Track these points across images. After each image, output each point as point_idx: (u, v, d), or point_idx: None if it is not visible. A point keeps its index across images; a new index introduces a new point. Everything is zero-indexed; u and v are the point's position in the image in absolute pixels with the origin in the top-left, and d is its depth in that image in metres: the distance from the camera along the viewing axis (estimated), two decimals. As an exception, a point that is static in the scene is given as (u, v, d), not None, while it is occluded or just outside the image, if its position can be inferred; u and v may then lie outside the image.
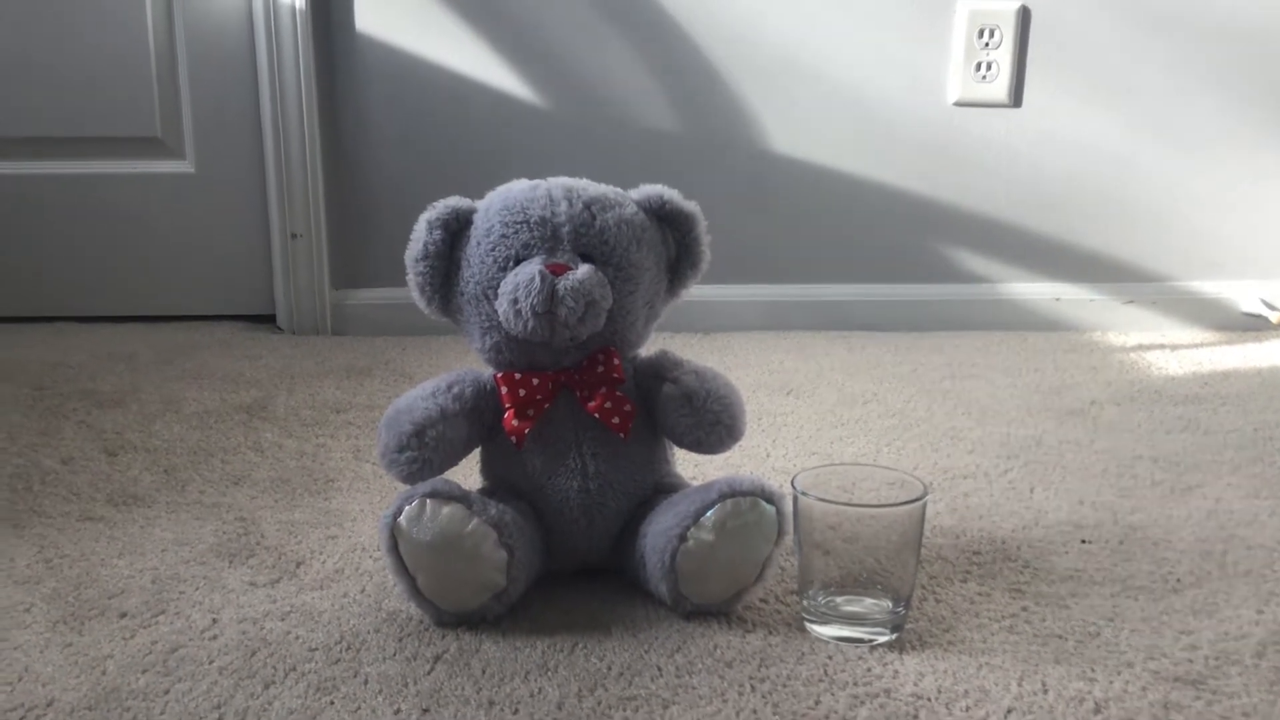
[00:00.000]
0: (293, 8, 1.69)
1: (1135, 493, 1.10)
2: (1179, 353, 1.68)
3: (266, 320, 1.83)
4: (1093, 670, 0.77)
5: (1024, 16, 1.75)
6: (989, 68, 1.76)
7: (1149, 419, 1.34)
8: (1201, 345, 1.73)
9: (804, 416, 1.35)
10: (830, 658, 0.78)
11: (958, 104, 1.78)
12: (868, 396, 1.43)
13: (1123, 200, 1.82)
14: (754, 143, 1.78)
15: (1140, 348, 1.71)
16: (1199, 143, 1.80)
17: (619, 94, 1.76)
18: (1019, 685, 0.75)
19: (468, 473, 0.90)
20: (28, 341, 1.69)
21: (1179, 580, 0.91)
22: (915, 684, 0.75)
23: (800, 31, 1.75)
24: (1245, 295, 1.83)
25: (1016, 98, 1.78)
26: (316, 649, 0.80)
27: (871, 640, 0.80)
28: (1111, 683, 0.75)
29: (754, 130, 1.78)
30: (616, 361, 0.86)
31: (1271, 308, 1.82)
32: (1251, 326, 1.83)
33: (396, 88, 1.74)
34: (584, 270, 0.82)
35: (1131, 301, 1.83)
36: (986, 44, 1.75)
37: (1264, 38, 1.76)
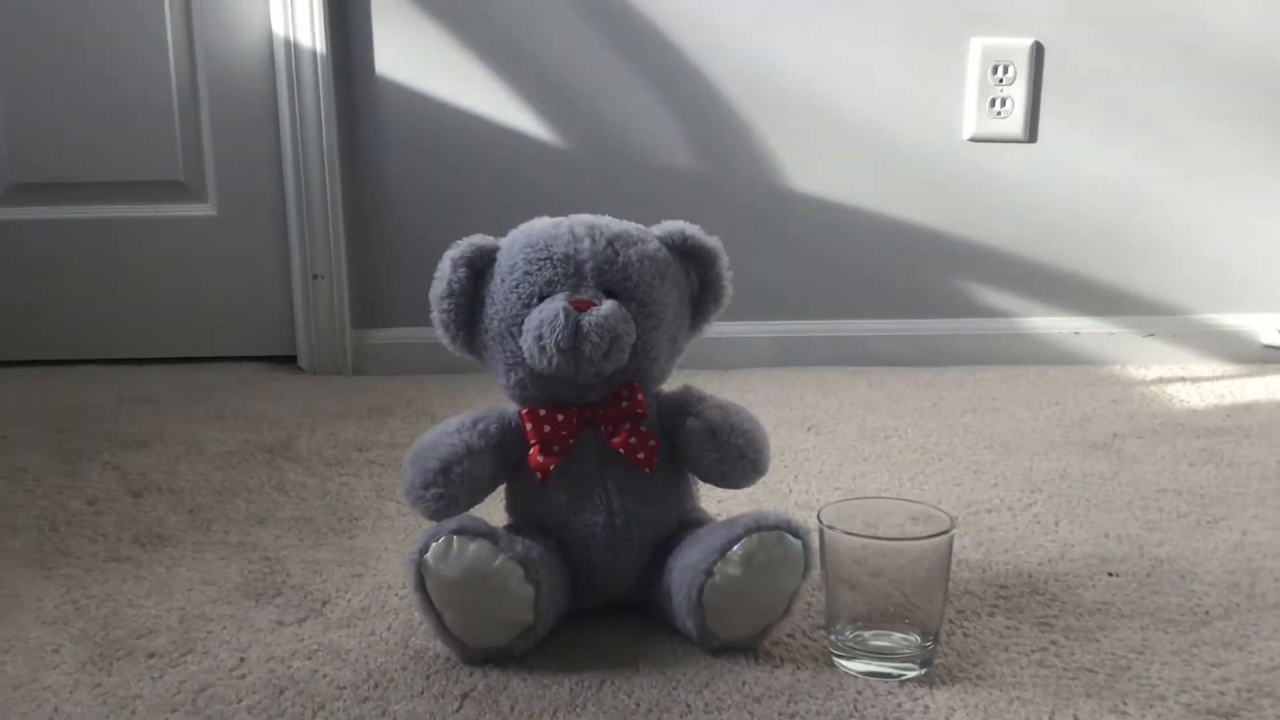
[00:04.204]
0: (313, 52, 1.71)
1: (1161, 525, 1.10)
2: (1200, 385, 1.67)
3: (288, 361, 1.84)
4: (1125, 704, 0.76)
5: (1038, 52, 1.76)
6: (1003, 103, 1.77)
7: (1172, 452, 1.34)
8: (1222, 378, 1.72)
9: (825, 452, 1.35)
10: (860, 693, 0.78)
11: (973, 139, 1.79)
12: (889, 431, 1.43)
13: (1140, 233, 1.82)
14: (770, 180, 1.79)
15: (1161, 381, 1.70)
16: (1215, 175, 1.81)
17: (636, 133, 1.77)
18: (1051, 719, 0.74)
19: (492, 510, 0.90)
20: (51, 384, 1.70)
21: (1208, 612, 0.90)
22: (947, 719, 0.74)
23: (815, 69, 1.76)
24: (1265, 327, 1.83)
25: (1031, 133, 1.79)
26: (344, 687, 0.80)
27: (900, 675, 0.80)
28: (1144, 716, 0.74)
29: (770, 167, 1.79)
30: (640, 396, 0.86)
31: (1292, 339, 1.81)
32: (1272, 359, 1.82)
33: (416, 130, 1.76)
34: (608, 306, 0.83)
35: (1151, 335, 1.83)
36: (1000, 80, 1.76)
37: (1278, 70, 1.77)
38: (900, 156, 1.79)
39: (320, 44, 1.71)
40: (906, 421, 1.48)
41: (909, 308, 1.83)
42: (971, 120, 1.77)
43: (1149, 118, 1.78)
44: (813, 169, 1.79)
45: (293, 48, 1.71)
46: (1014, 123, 1.77)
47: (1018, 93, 1.76)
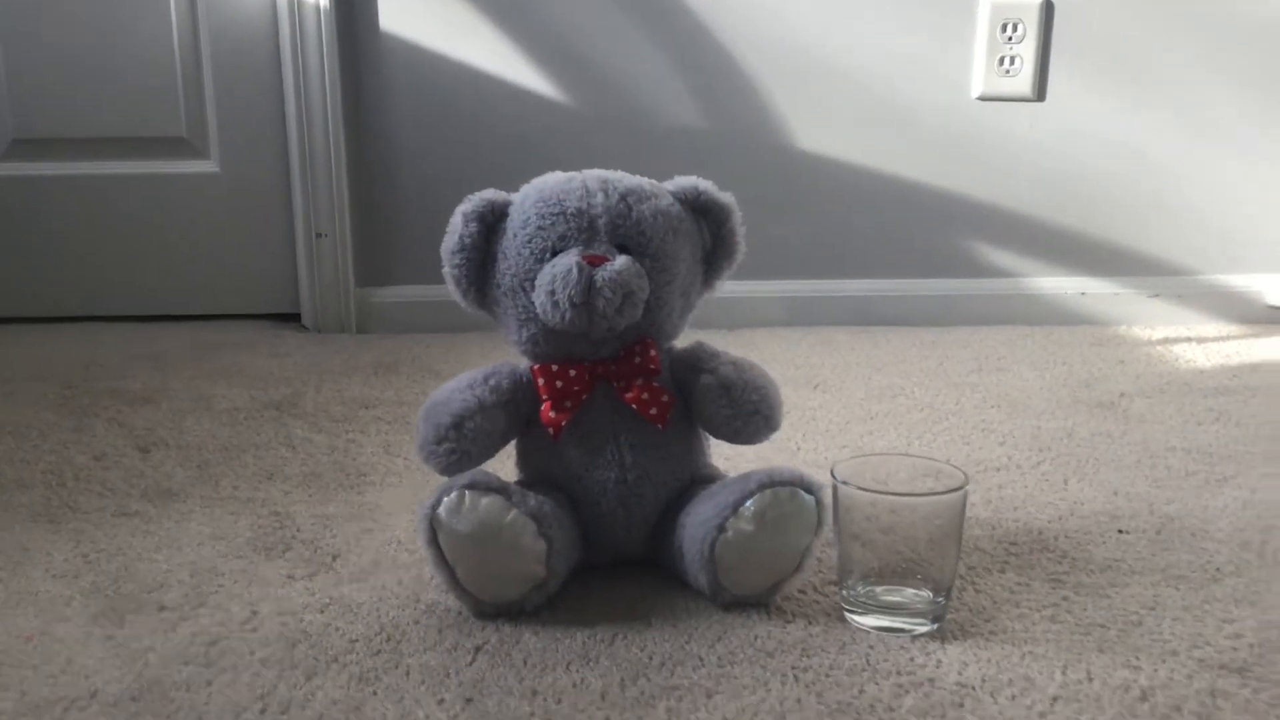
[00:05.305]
0: (317, 7, 1.69)
1: (1170, 484, 1.10)
2: (1206, 345, 1.67)
3: (292, 319, 1.84)
4: (1137, 658, 0.76)
5: (1047, 10, 1.74)
6: (1012, 62, 1.75)
7: (1179, 411, 1.34)
8: (1228, 338, 1.72)
9: (832, 410, 1.35)
10: (872, 647, 0.78)
11: (981, 98, 1.77)
12: (895, 390, 1.43)
13: (1147, 193, 1.81)
14: (778, 139, 1.78)
15: (1167, 341, 1.70)
16: (1224, 136, 1.80)
17: (644, 92, 1.76)
18: (1063, 674, 0.74)
19: (501, 466, 0.90)
20: (56, 341, 1.70)
21: (1218, 569, 0.90)
22: (959, 673, 0.74)
23: (823, 28, 1.74)
24: (1271, 288, 1.83)
25: (1040, 92, 1.77)
26: (357, 640, 0.80)
27: (912, 630, 0.80)
28: (1157, 671, 0.74)
29: (778, 127, 1.78)
30: (653, 353, 0.86)
31: (1299, 300, 1.81)
32: (1278, 319, 1.82)
33: (421, 86, 1.75)
34: (621, 261, 0.82)
35: (1157, 295, 1.82)
36: (1010, 38, 1.74)
37: (1290, 29, 1.76)
38: (908, 115, 1.78)
39: (323, -2, 1.69)
40: (913, 380, 1.47)
41: (915, 267, 1.83)
42: (980, 79, 1.76)
43: (1158, 77, 1.77)
44: (820, 128, 1.78)
45: (296, 2, 1.70)
46: (1023, 81, 1.76)
47: (1026, 51, 1.75)
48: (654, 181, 0.89)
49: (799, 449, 1.21)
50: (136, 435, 1.25)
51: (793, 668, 0.75)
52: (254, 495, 1.08)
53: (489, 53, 1.74)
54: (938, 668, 0.75)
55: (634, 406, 0.85)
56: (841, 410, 1.35)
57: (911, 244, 1.82)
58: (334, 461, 1.18)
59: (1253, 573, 0.90)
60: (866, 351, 1.63)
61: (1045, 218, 1.82)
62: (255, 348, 1.66)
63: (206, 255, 1.83)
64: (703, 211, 0.89)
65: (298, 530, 1.00)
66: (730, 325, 1.76)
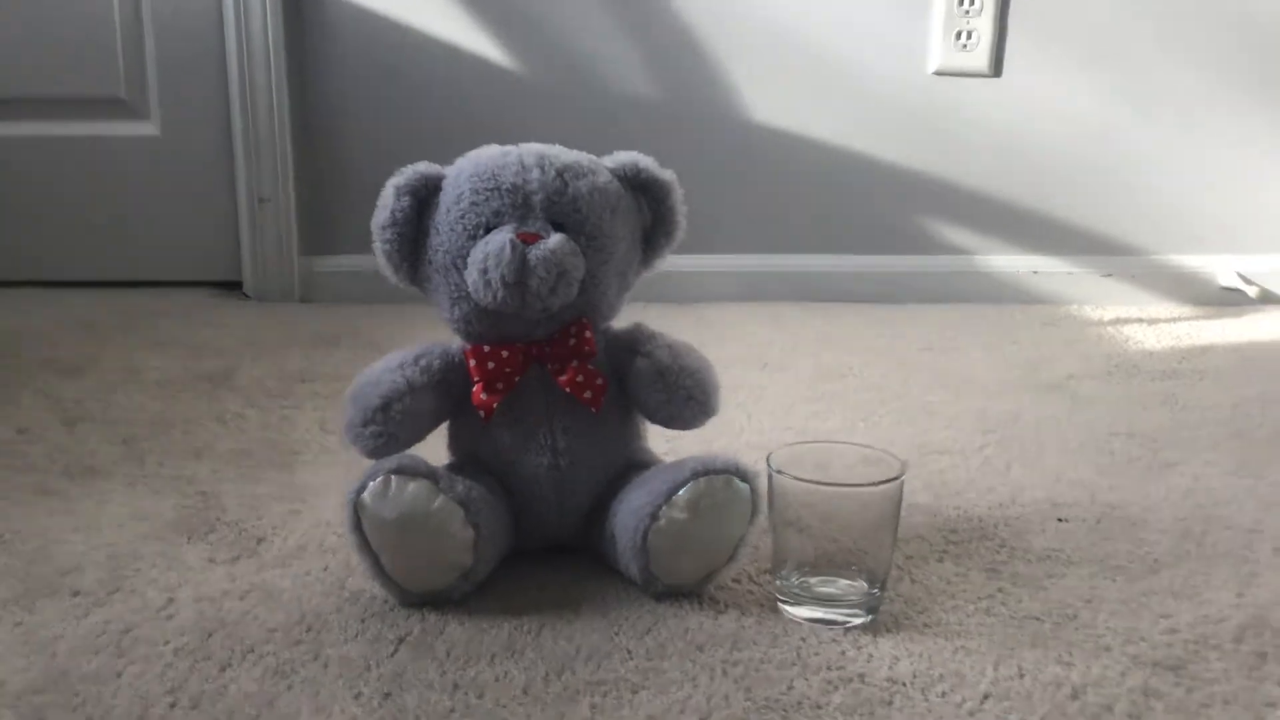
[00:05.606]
0: (260, -35, 1.64)
1: (1113, 470, 1.09)
2: (1157, 327, 1.66)
3: (233, 287, 1.80)
4: (1070, 654, 0.75)
5: (1006, -16, 1.72)
6: (969, 36, 1.73)
7: (1126, 394, 1.33)
8: (1179, 319, 1.72)
9: (780, 390, 1.33)
10: (804, 640, 0.76)
11: (937, 73, 1.75)
12: (844, 370, 1.41)
13: (1102, 172, 1.80)
14: (732, 112, 1.76)
15: (1118, 321, 1.70)
16: (1180, 115, 1.79)
17: (596, 61, 1.73)
18: (995, 670, 0.73)
19: (434, 448, 0.87)
20: (-14, 307, 1.65)
21: (1157, 561, 0.90)
22: (890, 668, 0.73)
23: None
24: (1224, 269, 1.82)
25: (997, 67, 1.76)
26: (276, 630, 0.77)
27: (846, 622, 0.78)
28: (1089, 667, 0.73)
29: (733, 99, 1.75)
30: (589, 334, 0.84)
31: (1249, 282, 1.81)
32: (1230, 301, 1.82)
33: (368, 50, 1.70)
34: (556, 239, 0.80)
35: (1110, 275, 1.82)
36: (967, 11, 1.72)
37: (1246, 9, 1.74)
38: (863, 89, 1.76)
39: (267, -43, 1.64)
40: (862, 359, 1.46)
41: (869, 244, 1.81)
42: (936, 53, 1.74)
43: (1114, 54, 1.76)
44: (774, 101, 1.76)
45: (238, -40, 1.65)
46: (979, 56, 1.74)
47: (984, 25, 1.73)
48: (593, 157, 0.86)
49: (742, 430, 1.19)
50: (63, 408, 1.22)
51: (722, 662, 0.74)
52: (180, 473, 1.05)
53: (438, 17, 1.70)
54: (869, 662, 0.74)
55: (568, 390, 0.83)
56: (789, 389, 1.33)
57: (865, 220, 1.80)
58: (266, 439, 1.15)
59: (1191, 564, 0.89)
60: (818, 328, 1.62)
61: (999, 194, 1.80)
62: (193, 317, 1.62)
63: (145, 220, 1.78)
64: (642, 189, 0.87)
65: (223, 511, 0.97)
66: (682, 300, 1.74)
